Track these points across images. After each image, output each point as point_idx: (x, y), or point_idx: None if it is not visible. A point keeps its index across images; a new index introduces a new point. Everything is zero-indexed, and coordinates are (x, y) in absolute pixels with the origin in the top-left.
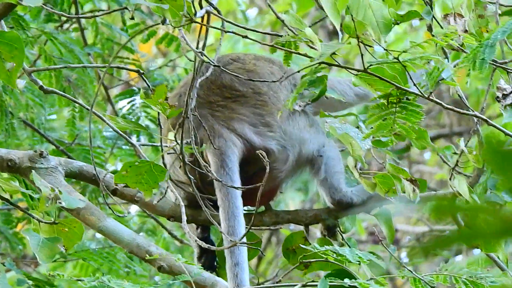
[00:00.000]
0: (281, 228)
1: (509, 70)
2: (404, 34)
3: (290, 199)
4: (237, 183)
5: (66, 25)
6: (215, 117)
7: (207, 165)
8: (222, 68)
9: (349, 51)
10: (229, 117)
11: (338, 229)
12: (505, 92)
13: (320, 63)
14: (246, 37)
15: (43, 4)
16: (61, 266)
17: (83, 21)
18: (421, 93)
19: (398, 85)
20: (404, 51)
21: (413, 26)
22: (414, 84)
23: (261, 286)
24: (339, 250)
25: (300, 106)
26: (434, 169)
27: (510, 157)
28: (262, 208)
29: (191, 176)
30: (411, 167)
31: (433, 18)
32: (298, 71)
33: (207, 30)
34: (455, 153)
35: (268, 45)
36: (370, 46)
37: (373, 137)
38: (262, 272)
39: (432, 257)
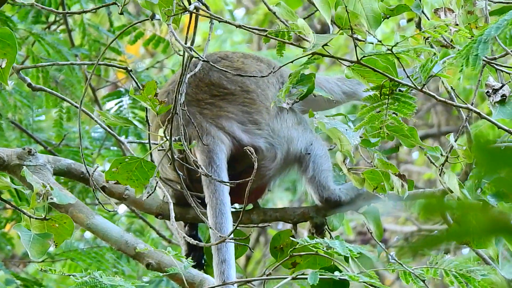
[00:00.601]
0: (269, 225)
1: (497, 67)
2: (392, 33)
3: (278, 199)
4: (225, 180)
5: (53, 27)
6: (203, 115)
7: (196, 160)
8: (211, 64)
9: (337, 50)
10: (217, 115)
11: (326, 227)
12: (494, 89)
13: (312, 54)
14: (239, 27)
15: (32, 4)
16: (49, 266)
17: (70, 22)
18: (414, 85)
19: (391, 76)
20: (395, 45)
21: (401, 26)
22: (408, 76)
23: (250, 279)
24: (329, 243)
25: (288, 104)
26: (422, 168)
27: (498, 155)
28: (250, 206)
29: (180, 173)
30: (399, 166)
31: (423, 13)
32: (292, 61)
33: (196, 25)
34: (441, 155)
35: (262, 35)
36: (361, 41)
37: (361, 137)
38: (250, 272)
39: (420, 256)
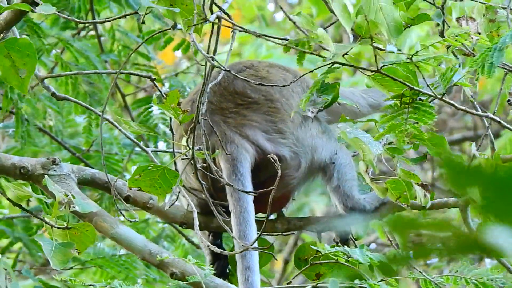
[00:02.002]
0: (293, 234)
1: None
2: (427, 36)
3: (314, 203)
4: (249, 189)
5: (83, 33)
6: (227, 123)
7: (218, 169)
8: (234, 73)
9: (371, 55)
10: (241, 124)
11: (351, 236)
12: None
13: (333, 63)
14: (259, 36)
15: (58, 11)
16: (80, 273)
17: (99, 28)
18: (434, 94)
19: (411, 85)
20: (415, 54)
21: (435, 27)
22: (428, 85)
23: (271, 287)
24: (349, 252)
25: (312, 112)
26: None
27: (466, 172)
28: (275, 215)
29: (203, 182)
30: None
31: (444, 22)
32: (312, 71)
33: (218, 34)
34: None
35: (281, 44)
36: (382, 50)
37: (385, 143)
38: (287, 275)
39: (455, 261)
